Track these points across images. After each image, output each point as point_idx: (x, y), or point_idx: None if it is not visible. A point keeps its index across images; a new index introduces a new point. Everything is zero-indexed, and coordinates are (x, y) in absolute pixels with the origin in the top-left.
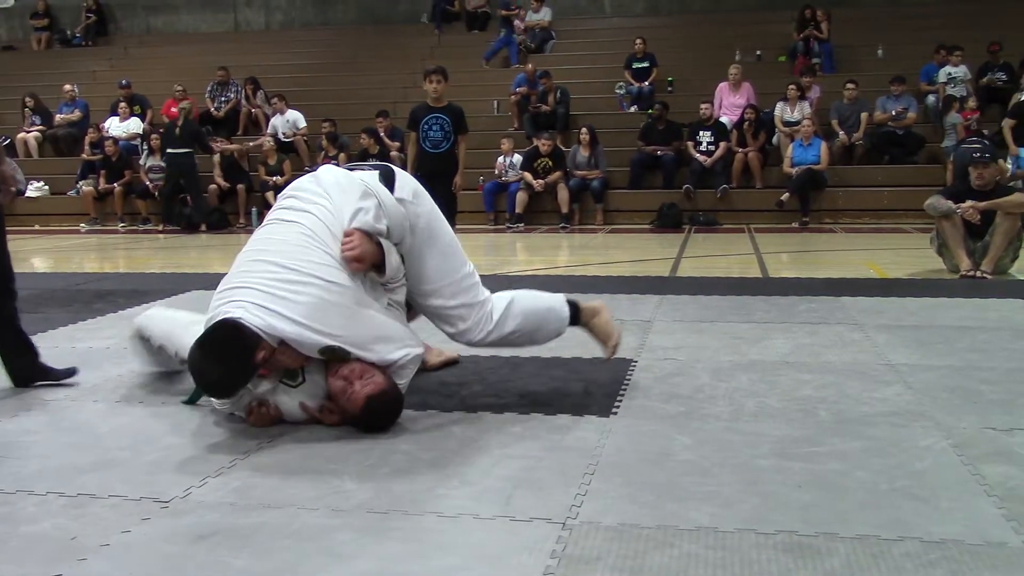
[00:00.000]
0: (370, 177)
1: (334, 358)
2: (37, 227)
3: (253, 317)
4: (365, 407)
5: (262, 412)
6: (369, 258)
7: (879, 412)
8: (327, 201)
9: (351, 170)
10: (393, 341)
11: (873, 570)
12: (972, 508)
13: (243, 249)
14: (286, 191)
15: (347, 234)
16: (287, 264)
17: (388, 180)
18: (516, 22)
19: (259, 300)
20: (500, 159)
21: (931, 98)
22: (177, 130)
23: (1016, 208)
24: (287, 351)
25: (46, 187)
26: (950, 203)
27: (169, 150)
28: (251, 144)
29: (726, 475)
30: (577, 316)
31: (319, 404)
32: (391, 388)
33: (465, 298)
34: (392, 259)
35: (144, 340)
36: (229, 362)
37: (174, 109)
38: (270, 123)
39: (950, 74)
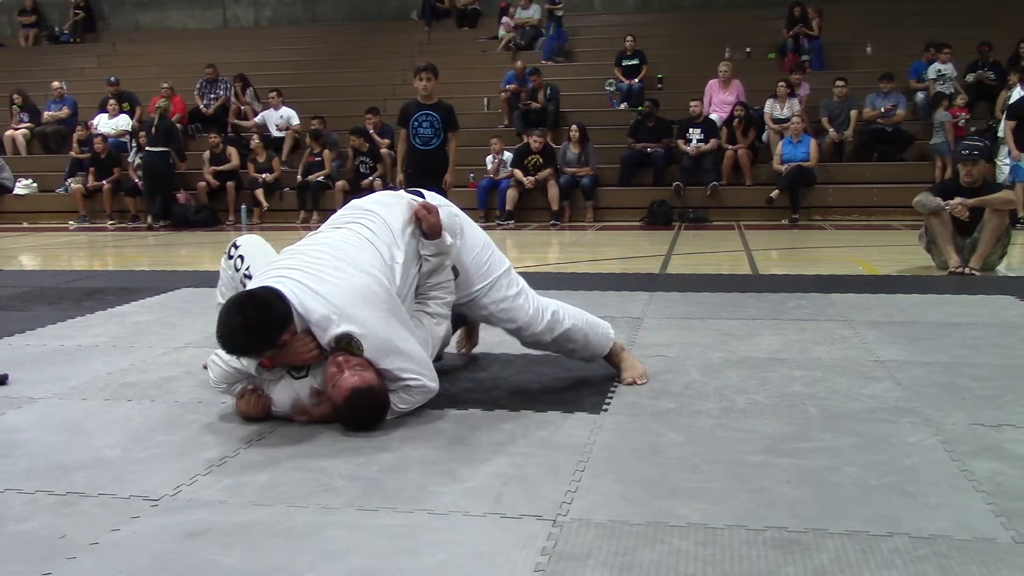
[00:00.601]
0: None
1: (346, 348)
2: (25, 224)
3: (291, 295)
4: (348, 397)
5: (253, 399)
6: (436, 211)
7: (868, 408)
8: (375, 216)
9: None
10: (411, 361)
11: (862, 566)
12: (961, 504)
13: (264, 250)
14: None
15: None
16: (337, 255)
17: (419, 196)
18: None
19: (301, 278)
20: (489, 158)
21: (920, 95)
22: (153, 129)
23: (1004, 205)
24: (305, 342)
25: (34, 184)
26: (939, 200)
27: (147, 148)
28: (238, 121)
29: (716, 471)
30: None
31: (312, 399)
32: (379, 386)
33: (522, 284)
34: (447, 236)
35: (232, 248)
36: (255, 324)
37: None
38: (259, 115)
39: (940, 71)
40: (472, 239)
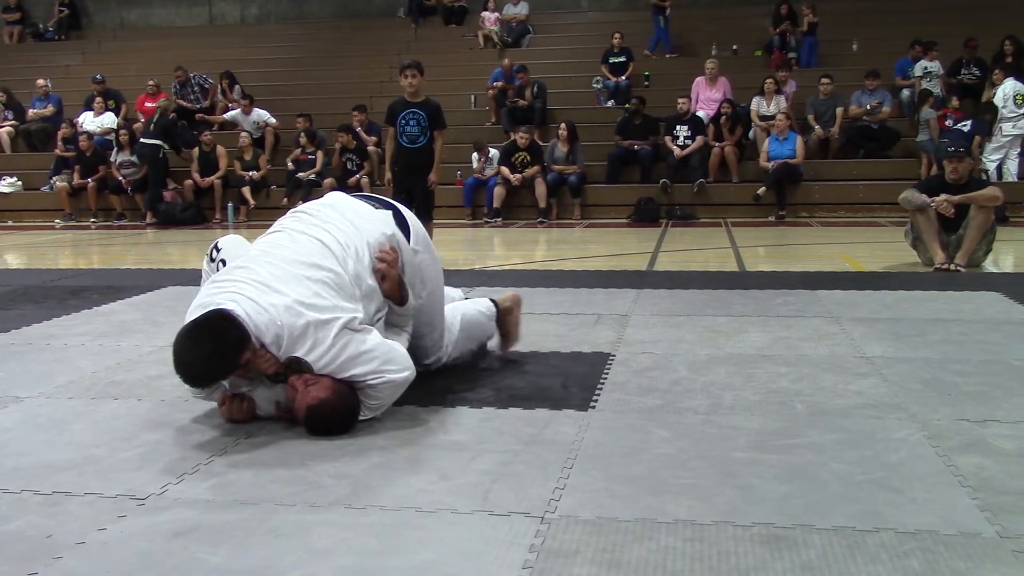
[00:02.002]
0: (387, 218)
1: (298, 370)
2: (10, 223)
3: (244, 315)
4: (306, 417)
5: (236, 404)
6: (396, 278)
7: (855, 404)
8: (347, 224)
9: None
10: (371, 361)
11: (849, 561)
12: (946, 499)
13: (245, 253)
14: (292, 211)
15: (386, 249)
16: (298, 263)
17: (402, 226)
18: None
19: (253, 295)
20: (475, 156)
21: (905, 92)
22: (152, 126)
23: (989, 201)
24: (267, 358)
25: (19, 182)
26: (924, 197)
27: (141, 139)
28: (207, 117)
29: (703, 468)
30: (498, 312)
31: (292, 402)
32: (334, 398)
33: (440, 325)
34: (410, 297)
35: (214, 251)
36: (213, 354)
37: (148, 104)
38: (229, 114)
39: (926, 68)
40: (437, 286)
